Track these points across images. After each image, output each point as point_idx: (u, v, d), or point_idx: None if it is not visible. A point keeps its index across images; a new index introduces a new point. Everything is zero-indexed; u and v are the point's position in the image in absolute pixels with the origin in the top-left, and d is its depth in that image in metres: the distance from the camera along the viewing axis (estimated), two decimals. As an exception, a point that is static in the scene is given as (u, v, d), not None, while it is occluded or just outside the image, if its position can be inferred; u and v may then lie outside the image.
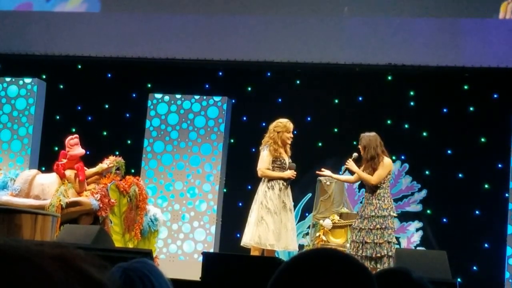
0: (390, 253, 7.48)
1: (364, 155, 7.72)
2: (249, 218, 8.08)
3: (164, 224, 9.87)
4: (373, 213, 7.59)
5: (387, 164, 7.67)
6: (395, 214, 7.75)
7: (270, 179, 8.02)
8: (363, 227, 7.59)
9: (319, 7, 10.54)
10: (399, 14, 10.31)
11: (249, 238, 7.94)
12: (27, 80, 10.86)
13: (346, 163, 7.84)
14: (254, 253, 7.92)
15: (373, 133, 7.79)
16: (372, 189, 7.68)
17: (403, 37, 10.39)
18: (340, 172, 8.14)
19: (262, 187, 8.07)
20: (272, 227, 7.87)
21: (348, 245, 8.26)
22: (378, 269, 7.03)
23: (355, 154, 7.89)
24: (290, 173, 8.07)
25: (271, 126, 8.21)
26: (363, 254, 7.49)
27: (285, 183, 8.05)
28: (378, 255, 7.48)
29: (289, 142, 8.15)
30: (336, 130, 10.74)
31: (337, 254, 1.40)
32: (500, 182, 9.92)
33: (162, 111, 10.72)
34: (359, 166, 7.80)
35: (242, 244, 8.11)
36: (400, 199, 10.26)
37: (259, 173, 8.09)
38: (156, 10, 10.98)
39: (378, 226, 7.54)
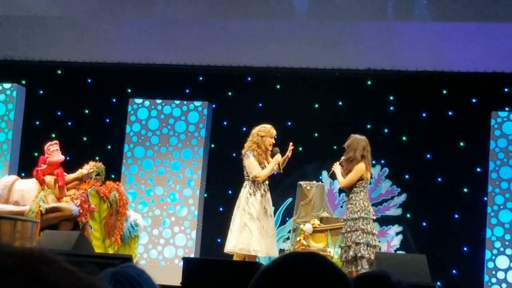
0: (359, 255, 7.46)
1: (344, 154, 7.73)
2: (232, 225, 7.99)
3: (145, 230, 9.85)
4: (345, 216, 7.66)
5: (358, 169, 7.58)
6: (368, 216, 7.59)
7: (255, 183, 7.93)
8: (348, 230, 7.61)
9: (299, 12, 10.56)
10: (379, 19, 10.36)
11: (233, 245, 7.87)
12: (6, 86, 10.80)
13: (334, 166, 7.80)
14: (237, 259, 7.88)
15: (363, 137, 7.77)
16: (346, 193, 7.71)
17: (383, 41, 10.44)
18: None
19: (244, 193, 7.98)
20: (256, 233, 7.82)
21: (331, 250, 8.29)
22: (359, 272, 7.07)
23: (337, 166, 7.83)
24: (279, 157, 7.96)
25: (255, 130, 8.07)
26: (358, 255, 7.46)
27: (265, 189, 8.00)
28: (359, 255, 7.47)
29: (270, 148, 8.06)
30: (316, 134, 10.77)
31: (314, 257, 1.41)
32: (479, 186, 10.00)
33: (142, 116, 10.70)
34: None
35: (225, 251, 8.02)
36: (380, 203, 10.30)
37: (259, 179, 7.89)
38: (136, 15, 10.96)
39: (348, 229, 7.55)
